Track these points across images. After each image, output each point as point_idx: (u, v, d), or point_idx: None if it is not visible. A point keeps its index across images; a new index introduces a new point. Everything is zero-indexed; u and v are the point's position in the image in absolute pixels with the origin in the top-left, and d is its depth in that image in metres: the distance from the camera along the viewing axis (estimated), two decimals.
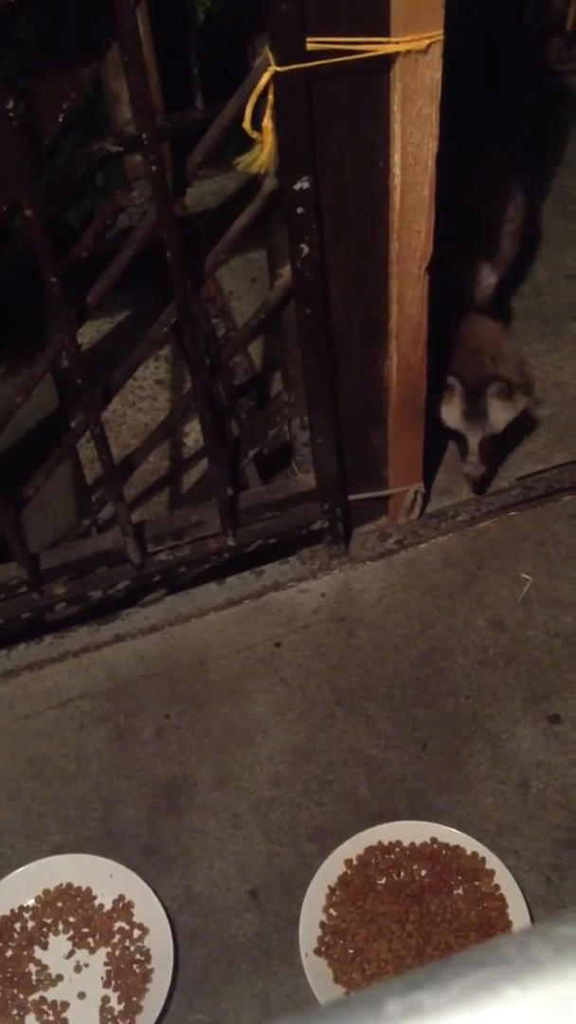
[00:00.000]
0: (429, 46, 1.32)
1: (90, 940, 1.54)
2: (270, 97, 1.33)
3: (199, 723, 1.78)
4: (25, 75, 1.34)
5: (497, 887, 1.53)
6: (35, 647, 1.91)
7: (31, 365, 1.66)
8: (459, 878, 1.54)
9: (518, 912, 1.51)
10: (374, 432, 1.85)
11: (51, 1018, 1.48)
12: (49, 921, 1.56)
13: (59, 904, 1.57)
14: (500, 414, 1.96)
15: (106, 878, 1.59)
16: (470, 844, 1.57)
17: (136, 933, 1.54)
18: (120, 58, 1.32)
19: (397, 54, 1.33)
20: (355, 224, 1.52)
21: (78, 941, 1.55)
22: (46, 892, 1.59)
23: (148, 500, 2.36)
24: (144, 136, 1.34)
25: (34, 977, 1.52)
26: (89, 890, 1.59)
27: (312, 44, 1.28)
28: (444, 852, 1.57)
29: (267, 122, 1.37)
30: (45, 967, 1.53)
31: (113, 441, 1.93)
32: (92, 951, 1.54)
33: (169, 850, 1.63)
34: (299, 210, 1.43)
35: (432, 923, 1.50)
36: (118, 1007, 1.48)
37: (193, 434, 2.49)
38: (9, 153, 1.29)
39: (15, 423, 1.86)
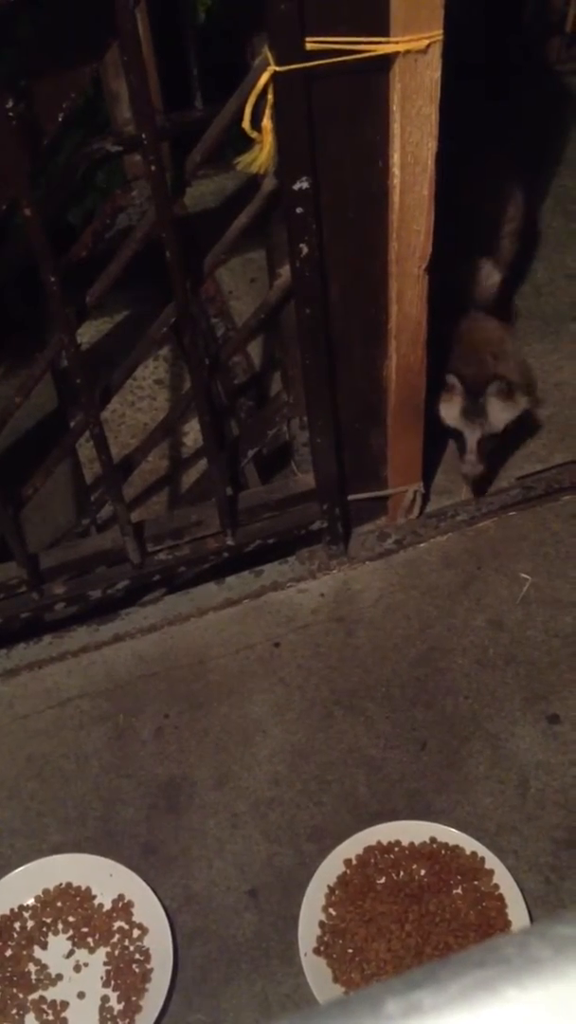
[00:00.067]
0: (428, 46, 1.32)
1: (90, 940, 1.55)
2: (269, 97, 1.33)
3: (198, 723, 1.78)
4: (25, 75, 1.34)
5: (496, 887, 1.53)
6: (34, 647, 1.91)
7: (30, 365, 1.66)
8: (458, 878, 1.54)
9: (517, 912, 1.51)
10: (373, 432, 1.85)
11: (51, 1017, 1.48)
12: (49, 920, 1.56)
13: (59, 904, 1.58)
14: (500, 413, 1.94)
15: (105, 878, 1.59)
16: (469, 844, 1.57)
17: (136, 933, 1.54)
18: (120, 58, 1.32)
19: (396, 54, 1.33)
20: (354, 224, 1.52)
21: (78, 941, 1.55)
22: (45, 892, 1.59)
23: (147, 500, 2.36)
24: (143, 136, 1.34)
25: (34, 976, 1.52)
26: (88, 890, 1.59)
27: (311, 44, 1.28)
28: (443, 852, 1.57)
29: (266, 122, 1.37)
30: (45, 966, 1.53)
31: (112, 441, 1.93)
32: (92, 951, 1.54)
33: (168, 850, 1.63)
34: (298, 210, 1.43)
35: (431, 923, 1.51)
36: (117, 1007, 1.48)
37: (192, 434, 2.49)
38: (9, 153, 1.29)
39: (14, 423, 1.86)
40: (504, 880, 1.53)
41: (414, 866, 1.57)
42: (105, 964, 1.52)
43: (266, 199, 1.54)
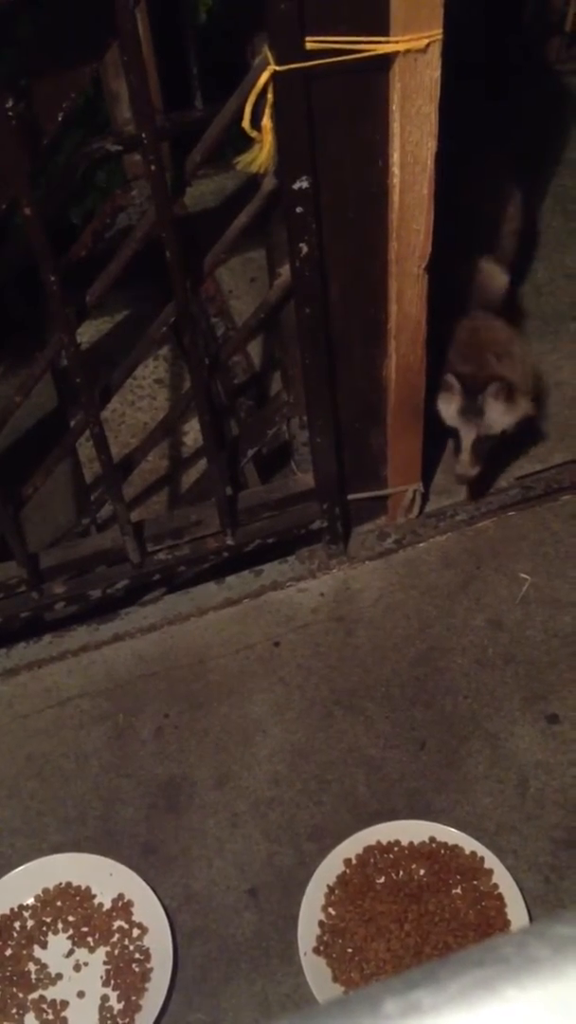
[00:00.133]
0: (428, 45, 1.32)
1: (89, 939, 1.55)
2: (269, 96, 1.33)
3: (198, 722, 1.78)
4: (25, 74, 1.34)
5: (496, 886, 1.54)
6: (34, 646, 1.92)
7: (30, 364, 1.66)
8: (458, 877, 1.54)
9: (516, 911, 1.51)
10: (373, 432, 1.85)
11: (50, 1017, 1.48)
12: (48, 920, 1.56)
13: (58, 903, 1.58)
14: (498, 416, 1.90)
15: (105, 877, 1.59)
16: (469, 843, 1.57)
17: (135, 932, 1.54)
18: (120, 57, 1.32)
19: (396, 53, 1.33)
20: (354, 223, 1.52)
21: (77, 940, 1.55)
22: (45, 891, 1.59)
23: (147, 499, 2.36)
24: (143, 135, 1.34)
25: (33, 976, 1.52)
26: (88, 889, 1.59)
27: (311, 43, 1.28)
28: (443, 851, 1.57)
29: (266, 121, 1.37)
30: (44, 966, 1.53)
31: (112, 440, 1.93)
32: (91, 950, 1.54)
33: (168, 849, 1.63)
34: (298, 209, 1.43)
35: (431, 922, 1.51)
36: (117, 1006, 1.48)
37: (192, 433, 2.49)
38: (9, 152, 1.29)
39: (14, 422, 1.86)
40: (503, 880, 1.53)
41: (413, 866, 1.57)
42: (105, 963, 1.52)
43: (266, 198, 1.54)
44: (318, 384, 1.67)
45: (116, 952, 1.53)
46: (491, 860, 1.55)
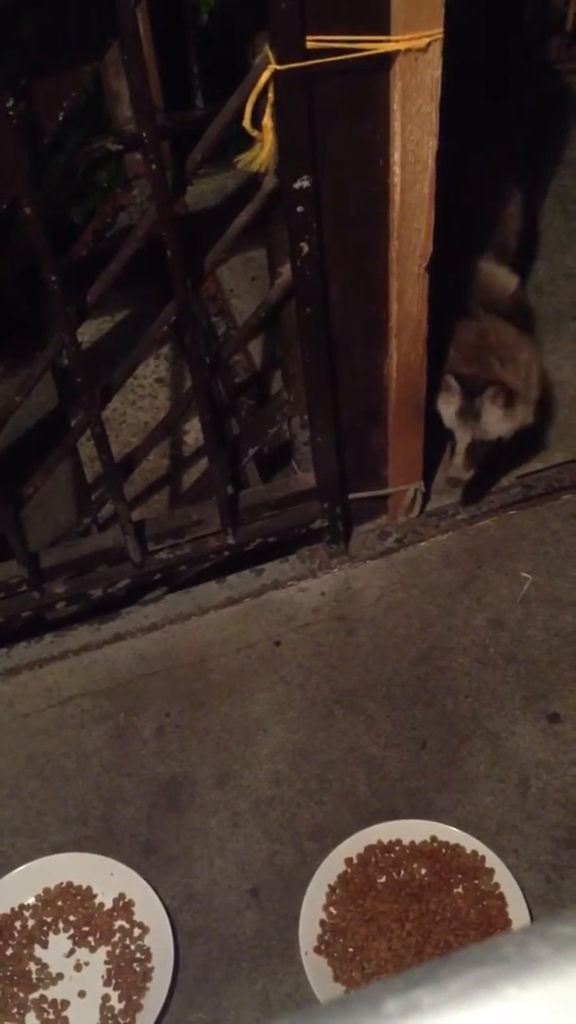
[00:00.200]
0: (429, 44, 1.32)
1: (90, 939, 1.55)
2: (270, 95, 1.33)
3: (199, 722, 1.78)
4: (26, 74, 1.34)
5: (497, 886, 1.54)
6: (35, 645, 1.92)
7: (31, 364, 1.66)
8: (459, 877, 1.54)
9: (517, 911, 1.51)
10: (374, 431, 1.85)
11: (51, 1017, 1.48)
12: (49, 920, 1.56)
13: (59, 903, 1.58)
14: (495, 421, 1.86)
15: (106, 877, 1.59)
16: (470, 843, 1.57)
17: (136, 932, 1.54)
18: (120, 57, 1.32)
19: (397, 52, 1.33)
20: (355, 223, 1.52)
21: (78, 940, 1.55)
22: (46, 891, 1.59)
23: (148, 498, 2.36)
24: (144, 134, 1.34)
25: (34, 976, 1.52)
26: (89, 889, 1.59)
27: (312, 42, 1.28)
28: (444, 851, 1.57)
29: (267, 120, 1.37)
30: (45, 966, 1.53)
31: (113, 439, 1.93)
32: (92, 950, 1.54)
33: (169, 849, 1.63)
34: (299, 208, 1.43)
35: (432, 922, 1.51)
36: (118, 1006, 1.48)
37: (193, 432, 2.49)
38: (9, 152, 1.29)
39: (15, 422, 1.86)
40: (504, 879, 1.53)
41: (415, 865, 1.57)
42: (106, 963, 1.52)
43: (267, 198, 1.54)
44: (319, 383, 1.67)
45: (117, 952, 1.53)
46: (492, 859, 1.55)
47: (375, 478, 1.93)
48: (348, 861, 1.57)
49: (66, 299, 1.47)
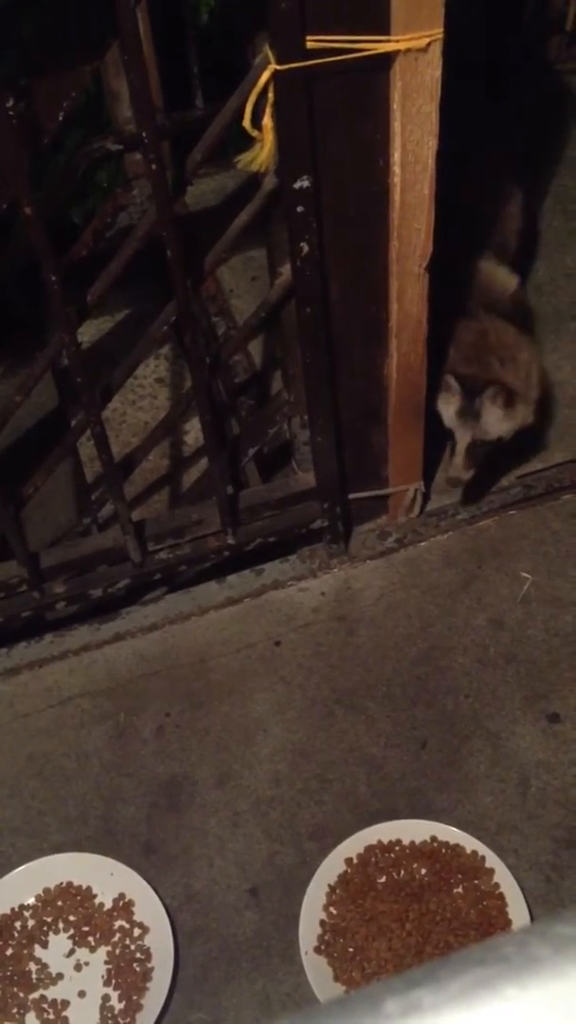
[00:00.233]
0: (429, 44, 1.32)
1: (90, 939, 1.55)
2: (270, 95, 1.33)
3: (199, 721, 1.78)
4: (26, 74, 1.34)
5: (497, 886, 1.54)
6: (35, 645, 1.92)
7: (31, 363, 1.66)
8: (459, 877, 1.54)
9: (517, 911, 1.51)
10: (374, 431, 1.85)
11: (51, 1017, 1.48)
12: (49, 920, 1.56)
13: (59, 903, 1.58)
14: (495, 421, 1.85)
15: (106, 877, 1.59)
16: (470, 843, 1.57)
17: (136, 932, 1.54)
18: (120, 57, 1.32)
19: (397, 52, 1.33)
20: (355, 223, 1.52)
21: (78, 940, 1.55)
22: (46, 891, 1.59)
23: (148, 498, 2.36)
24: (144, 134, 1.34)
25: (34, 976, 1.52)
26: (89, 889, 1.59)
27: (312, 42, 1.28)
28: (444, 851, 1.57)
29: (267, 120, 1.37)
30: (45, 966, 1.53)
31: (113, 439, 1.93)
32: (92, 950, 1.54)
33: (169, 848, 1.63)
34: (299, 208, 1.43)
35: (432, 922, 1.51)
36: (118, 1006, 1.48)
37: (193, 432, 2.49)
38: (9, 152, 1.29)
39: (15, 422, 1.86)
40: (504, 879, 1.53)
41: (415, 865, 1.57)
42: (106, 963, 1.52)
43: (267, 198, 1.54)
44: (319, 383, 1.67)
45: (117, 952, 1.53)
46: (492, 859, 1.55)
47: (375, 478, 1.93)
48: (348, 861, 1.57)
49: (66, 299, 1.47)
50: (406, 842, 1.59)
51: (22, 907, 1.58)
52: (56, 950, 1.54)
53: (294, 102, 1.33)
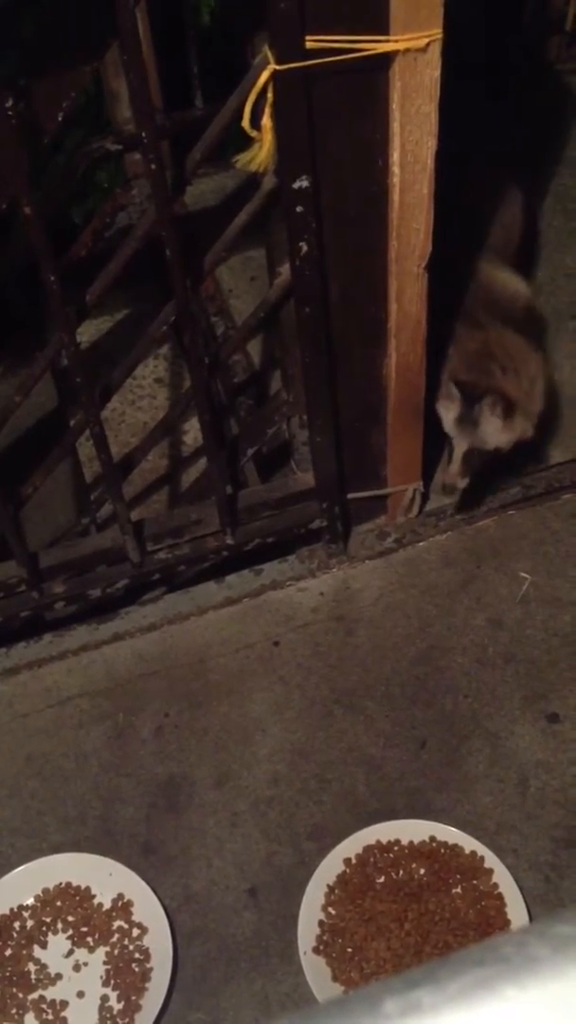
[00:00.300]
0: (428, 44, 1.32)
1: (89, 939, 1.55)
2: (269, 95, 1.33)
3: (198, 722, 1.78)
4: (26, 74, 1.34)
5: (496, 886, 1.53)
6: (34, 645, 1.92)
7: (30, 363, 1.66)
8: (458, 877, 1.54)
9: (516, 911, 1.51)
10: (373, 431, 1.85)
11: (50, 1017, 1.48)
12: (48, 920, 1.56)
13: (58, 903, 1.58)
14: (492, 430, 1.83)
15: (105, 877, 1.59)
16: (469, 843, 1.57)
17: (135, 932, 1.54)
18: (120, 57, 1.32)
19: (396, 52, 1.33)
20: (354, 223, 1.52)
21: (77, 940, 1.55)
22: (45, 891, 1.59)
23: (147, 499, 2.36)
24: (143, 134, 1.34)
25: (33, 976, 1.52)
26: (88, 889, 1.59)
27: (311, 42, 1.28)
28: (443, 851, 1.57)
29: (266, 120, 1.37)
30: (44, 966, 1.53)
31: (112, 439, 1.93)
32: (91, 950, 1.54)
33: (168, 849, 1.63)
34: (298, 208, 1.43)
35: (431, 922, 1.51)
36: (117, 1006, 1.48)
37: (192, 432, 2.49)
38: (9, 151, 1.29)
39: (14, 422, 1.86)
40: (503, 879, 1.53)
41: (413, 865, 1.57)
42: (105, 963, 1.52)
43: (266, 197, 1.54)
44: (318, 383, 1.67)
45: (116, 952, 1.53)
46: (491, 859, 1.55)
47: (374, 478, 1.93)
48: (347, 861, 1.57)
49: (66, 299, 1.47)
50: (405, 842, 1.59)
51: (21, 907, 1.58)
52: (55, 950, 1.54)
53: (293, 102, 1.33)
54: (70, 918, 1.56)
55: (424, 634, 1.85)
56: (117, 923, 1.55)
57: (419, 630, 1.86)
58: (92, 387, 1.63)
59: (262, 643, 1.87)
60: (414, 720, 1.75)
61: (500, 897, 1.52)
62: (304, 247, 1.48)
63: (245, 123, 1.38)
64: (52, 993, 1.50)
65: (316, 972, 1.47)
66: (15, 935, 1.55)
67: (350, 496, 1.93)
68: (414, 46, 1.32)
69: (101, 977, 1.51)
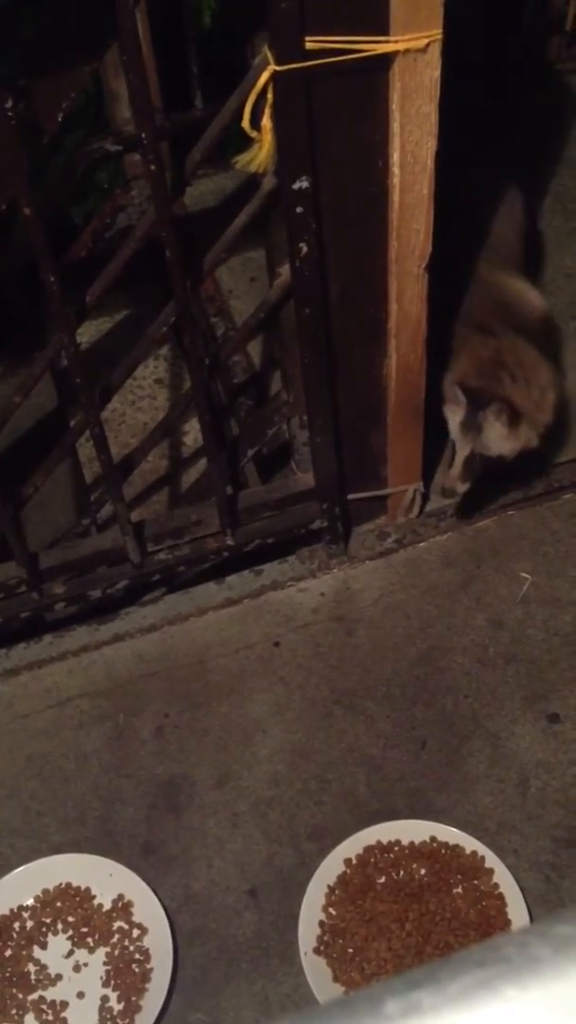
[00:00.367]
0: (428, 45, 1.32)
1: (89, 940, 1.54)
2: (269, 96, 1.33)
3: (198, 722, 1.78)
4: (26, 74, 1.34)
5: (496, 886, 1.53)
6: (34, 646, 1.91)
7: (30, 364, 1.66)
8: (458, 877, 1.54)
9: (517, 911, 1.51)
10: (373, 431, 1.85)
11: (50, 1017, 1.48)
12: (48, 921, 1.56)
13: (58, 904, 1.57)
14: (496, 437, 1.81)
15: (105, 878, 1.59)
16: (469, 843, 1.57)
17: (135, 932, 1.54)
18: (120, 57, 1.32)
19: (396, 53, 1.33)
20: (354, 223, 1.52)
21: (77, 941, 1.55)
22: (45, 892, 1.59)
23: (147, 499, 2.36)
24: (143, 135, 1.34)
25: (33, 977, 1.52)
26: (88, 890, 1.59)
27: (311, 43, 1.28)
28: (443, 851, 1.57)
29: (266, 121, 1.37)
30: (44, 967, 1.53)
31: (112, 440, 1.93)
32: (91, 951, 1.54)
33: (168, 849, 1.63)
34: (298, 209, 1.43)
35: (431, 922, 1.51)
36: (117, 1007, 1.48)
37: (192, 433, 2.49)
38: (9, 151, 1.29)
39: (14, 422, 1.86)
40: (504, 879, 1.53)
41: (414, 865, 1.57)
42: (105, 964, 1.52)
43: (266, 198, 1.54)
44: (318, 384, 1.67)
45: (116, 953, 1.53)
46: (492, 859, 1.55)
47: (374, 478, 1.93)
48: (347, 862, 1.57)
49: (65, 299, 1.47)
50: (405, 842, 1.59)
51: (21, 908, 1.58)
52: (55, 951, 1.54)
53: (293, 103, 1.33)
54: (70, 919, 1.56)
55: (424, 634, 1.85)
56: (117, 924, 1.55)
57: (419, 630, 1.86)
58: (92, 388, 1.63)
59: (262, 644, 1.87)
60: (414, 720, 1.75)
61: (501, 897, 1.52)
62: (304, 248, 1.48)
63: (245, 124, 1.38)
64: (52, 994, 1.50)
65: (317, 973, 1.47)
66: (15, 936, 1.55)
67: (350, 496, 1.93)
68: (414, 47, 1.32)
69: (101, 978, 1.51)
